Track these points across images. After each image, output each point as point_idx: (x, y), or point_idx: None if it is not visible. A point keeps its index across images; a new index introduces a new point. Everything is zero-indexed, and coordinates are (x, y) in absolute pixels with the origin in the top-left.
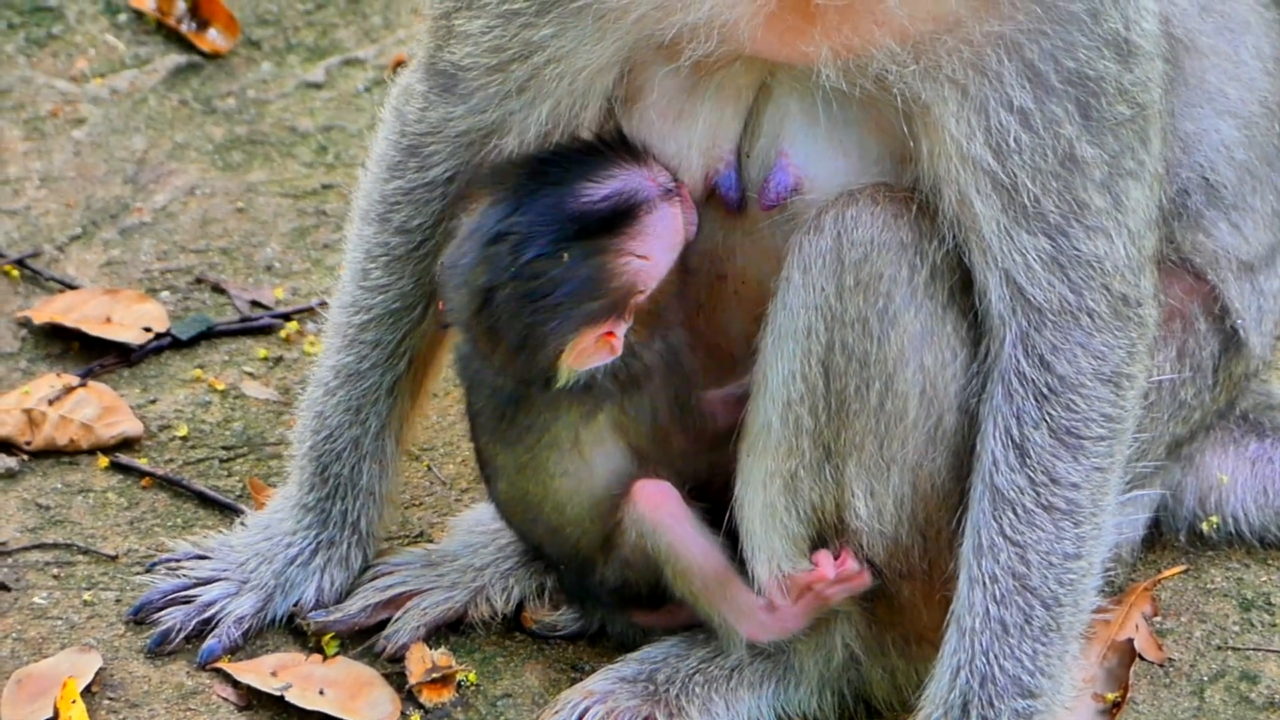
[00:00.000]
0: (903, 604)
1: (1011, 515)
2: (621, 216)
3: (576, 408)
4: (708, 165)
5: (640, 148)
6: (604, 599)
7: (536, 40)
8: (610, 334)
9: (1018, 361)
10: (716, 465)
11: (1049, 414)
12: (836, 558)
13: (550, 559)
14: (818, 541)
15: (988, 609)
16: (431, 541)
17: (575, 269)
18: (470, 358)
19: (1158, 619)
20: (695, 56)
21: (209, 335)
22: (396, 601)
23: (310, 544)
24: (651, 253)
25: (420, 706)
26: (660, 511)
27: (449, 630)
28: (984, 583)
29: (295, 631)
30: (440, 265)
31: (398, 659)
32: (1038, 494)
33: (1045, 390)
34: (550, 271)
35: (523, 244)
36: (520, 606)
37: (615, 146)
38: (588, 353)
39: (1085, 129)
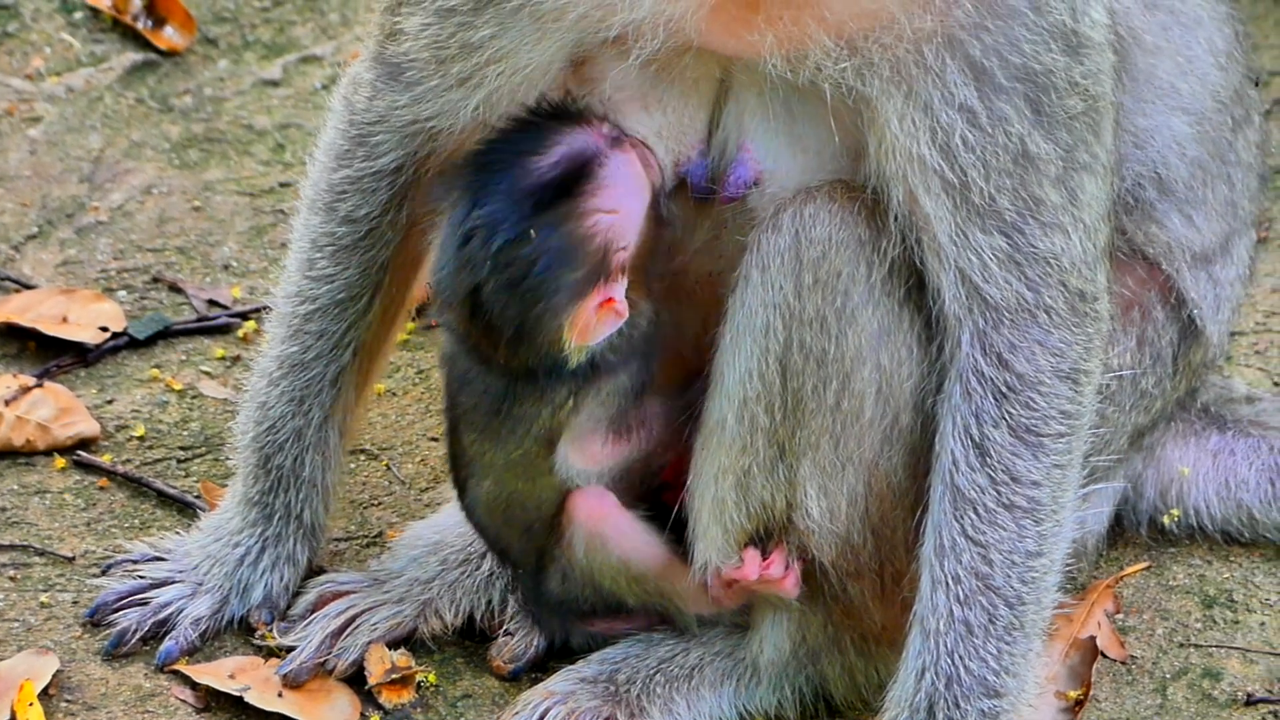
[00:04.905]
0: (853, 604)
1: (973, 515)
2: (575, 177)
3: (565, 395)
4: (677, 153)
5: (574, 106)
6: (559, 608)
7: (475, 40)
8: (609, 300)
9: (975, 360)
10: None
11: (1008, 412)
12: (766, 557)
13: (513, 563)
14: (762, 537)
15: (951, 610)
16: (388, 542)
17: (546, 243)
18: (458, 356)
19: (1120, 616)
20: (645, 53)
21: (166, 335)
22: (348, 623)
23: (257, 542)
24: (619, 204)
25: (380, 708)
26: (604, 523)
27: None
28: (947, 584)
29: (251, 631)
30: (430, 284)
31: (351, 676)
32: (999, 493)
33: (1004, 389)
34: (523, 253)
35: (490, 236)
36: (471, 619)
37: (549, 114)
38: (591, 324)
39: (1037, 125)
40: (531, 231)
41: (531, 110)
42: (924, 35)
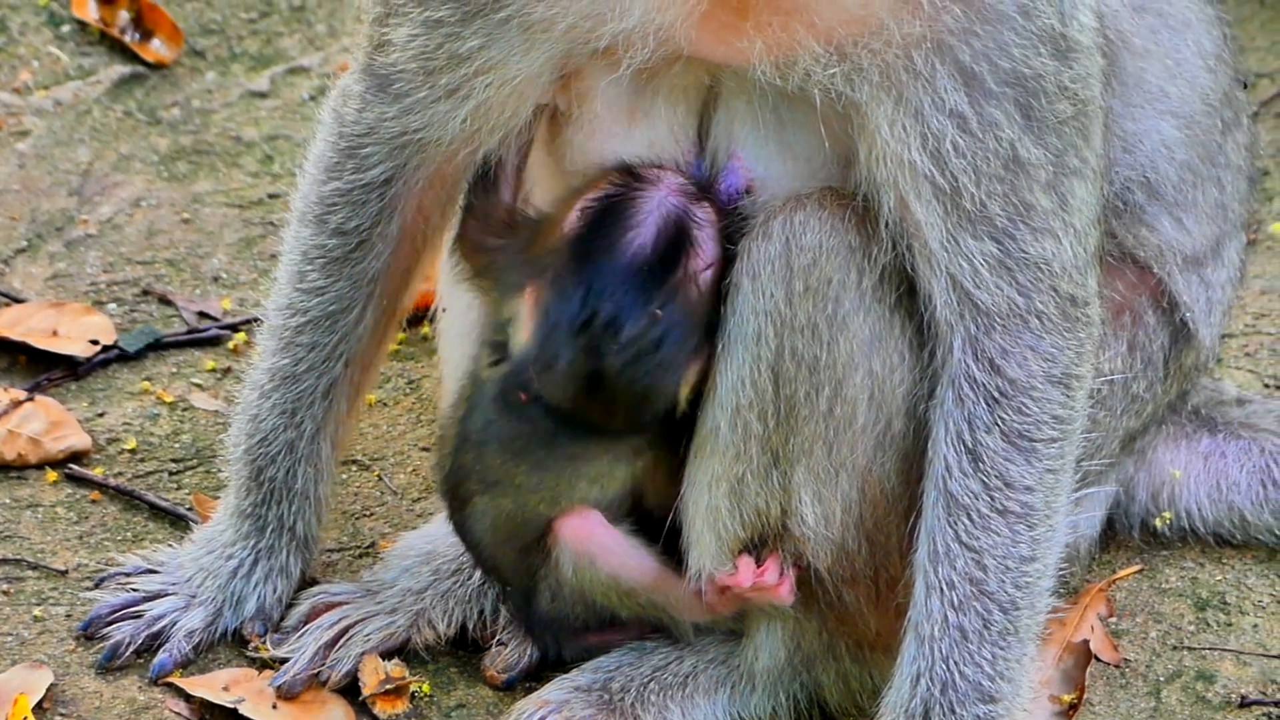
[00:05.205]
0: (848, 610)
1: (967, 521)
2: (676, 245)
3: (629, 444)
4: (670, 163)
5: (642, 168)
6: (550, 625)
7: (463, 51)
8: None
9: (967, 366)
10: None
11: (1001, 418)
12: (760, 564)
13: (503, 580)
14: (756, 544)
15: (946, 616)
16: (380, 553)
17: (669, 318)
18: (515, 388)
19: (1113, 620)
20: (635, 62)
21: (156, 347)
22: (341, 634)
23: (250, 554)
24: (712, 257)
25: (374, 718)
26: (590, 543)
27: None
28: (941, 589)
29: (244, 643)
30: (524, 369)
31: (345, 687)
32: (992, 499)
33: (996, 394)
34: (652, 334)
35: (616, 321)
36: (464, 628)
37: (623, 182)
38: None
39: (1027, 130)
40: (657, 311)
41: (609, 179)
42: (913, 41)
